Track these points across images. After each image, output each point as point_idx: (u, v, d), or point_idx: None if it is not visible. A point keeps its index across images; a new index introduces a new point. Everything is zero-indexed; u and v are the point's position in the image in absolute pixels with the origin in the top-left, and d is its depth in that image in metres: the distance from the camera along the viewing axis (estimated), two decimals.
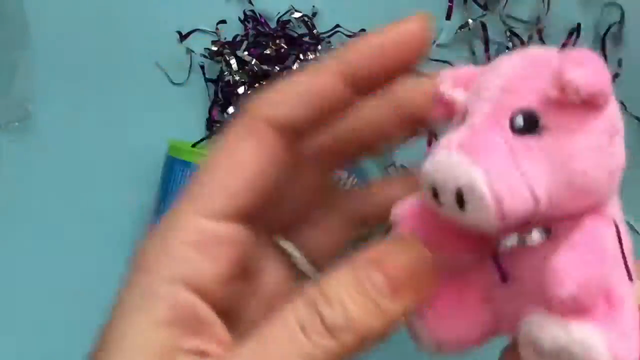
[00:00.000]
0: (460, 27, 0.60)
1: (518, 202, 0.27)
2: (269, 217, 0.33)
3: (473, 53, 0.61)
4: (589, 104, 0.28)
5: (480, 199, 0.26)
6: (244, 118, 0.32)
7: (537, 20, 0.60)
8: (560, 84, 0.27)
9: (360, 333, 0.28)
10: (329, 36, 0.60)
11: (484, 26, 0.60)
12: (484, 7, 0.60)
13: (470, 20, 0.60)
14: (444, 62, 0.61)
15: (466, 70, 0.30)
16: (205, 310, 0.30)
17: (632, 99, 0.61)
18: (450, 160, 0.27)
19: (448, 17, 0.61)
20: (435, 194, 0.28)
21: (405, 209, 0.31)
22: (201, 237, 0.31)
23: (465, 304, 0.31)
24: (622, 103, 0.61)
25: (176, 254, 0.30)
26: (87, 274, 0.60)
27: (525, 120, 0.28)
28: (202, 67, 0.61)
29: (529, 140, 0.27)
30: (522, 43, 0.60)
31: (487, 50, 0.60)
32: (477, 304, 0.31)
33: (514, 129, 0.28)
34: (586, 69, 0.27)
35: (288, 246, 0.35)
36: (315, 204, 0.36)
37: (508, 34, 0.60)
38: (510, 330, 0.31)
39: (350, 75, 0.32)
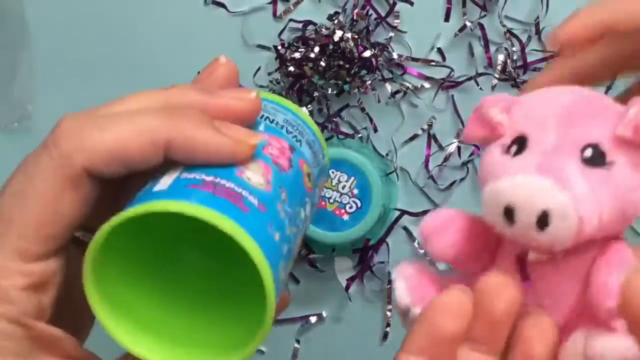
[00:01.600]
0: (460, 30, 0.60)
1: (592, 226, 0.30)
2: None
3: (472, 55, 0.61)
4: None
5: (567, 222, 0.30)
6: (53, 159, 0.34)
7: (535, 21, 0.60)
8: (635, 126, 0.30)
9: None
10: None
11: (482, 28, 0.60)
12: (483, 8, 0.60)
13: (468, 23, 0.60)
14: (444, 66, 0.61)
15: (506, 97, 0.34)
16: (50, 330, 0.32)
17: None
18: (537, 183, 0.30)
19: (447, 19, 0.61)
20: (508, 213, 0.30)
21: (433, 225, 0.33)
22: (27, 281, 0.31)
23: None
24: None
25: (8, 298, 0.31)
26: None
27: (594, 153, 0.31)
28: None
29: (600, 172, 0.31)
30: (521, 44, 0.60)
31: (487, 51, 0.61)
32: None
33: (584, 161, 0.31)
34: None
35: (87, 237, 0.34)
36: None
37: (507, 35, 0.60)
38: None
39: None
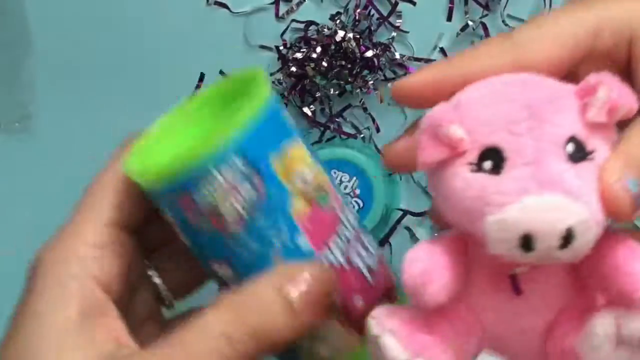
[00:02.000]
0: (462, 29, 0.60)
1: (604, 223, 0.29)
2: (143, 238, 0.37)
3: None
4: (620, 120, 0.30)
5: (590, 232, 0.28)
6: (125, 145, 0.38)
7: None
8: (609, 109, 0.29)
9: (275, 339, 0.32)
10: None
11: (485, 27, 0.60)
12: (485, 7, 0.60)
13: (470, 22, 0.60)
14: None
15: (445, 108, 0.31)
16: (111, 305, 0.34)
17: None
18: (551, 202, 0.28)
19: (449, 19, 0.61)
20: (526, 242, 0.28)
21: (417, 274, 0.30)
22: (98, 239, 0.35)
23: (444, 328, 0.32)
24: None
25: (81, 254, 0.34)
26: None
27: (575, 147, 0.29)
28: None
29: (587, 165, 0.29)
30: None
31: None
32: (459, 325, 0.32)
33: (569, 158, 0.29)
34: (621, 88, 0.30)
35: (152, 273, 0.38)
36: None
37: None
38: (517, 345, 0.32)
39: None
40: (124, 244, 0.36)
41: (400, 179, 0.61)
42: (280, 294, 0.32)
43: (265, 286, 0.33)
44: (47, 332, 0.33)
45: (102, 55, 0.62)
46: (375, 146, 0.61)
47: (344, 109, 0.61)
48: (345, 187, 0.58)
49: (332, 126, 0.61)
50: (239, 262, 0.34)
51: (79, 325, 0.33)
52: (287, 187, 0.34)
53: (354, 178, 0.58)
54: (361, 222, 0.39)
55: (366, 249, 0.37)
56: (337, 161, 0.57)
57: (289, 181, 0.34)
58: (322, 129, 0.61)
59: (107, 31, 0.62)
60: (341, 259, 0.35)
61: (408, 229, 0.61)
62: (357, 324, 0.35)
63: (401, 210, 0.60)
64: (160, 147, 0.37)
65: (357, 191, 0.57)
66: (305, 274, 0.33)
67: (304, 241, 0.34)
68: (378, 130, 0.61)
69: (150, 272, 0.38)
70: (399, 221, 0.61)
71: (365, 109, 0.61)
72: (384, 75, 0.61)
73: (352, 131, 0.61)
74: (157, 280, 0.38)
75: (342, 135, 0.61)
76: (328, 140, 0.61)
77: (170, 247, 0.39)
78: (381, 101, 0.61)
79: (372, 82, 0.60)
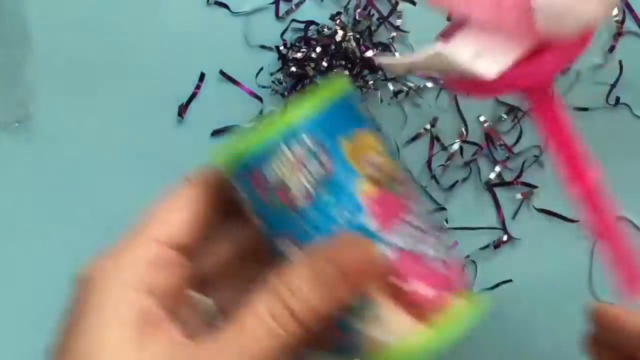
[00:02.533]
0: None
1: None
2: (195, 266, 0.39)
3: None
4: None
5: None
6: (192, 177, 0.39)
7: None
8: None
9: (319, 317, 0.35)
10: None
11: None
12: None
13: None
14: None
15: None
16: (164, 316, 0.36)
17: (637, 99, 0.60)
18: None
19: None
20: None
21: None
22: (155, 255, 0.37)
23: None
24: (627, 105, 0.60)
25: (138, 266, 0.36)
26: None
27: None
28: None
29: None
30: None
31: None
32: None
33: None
34: None
35: (200, 299, 0.40)
36: (234, 266, 0.41)
37: None
38: None
39: None
40: (179, 265, 0.38)
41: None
42: (313, 270, 0.35)
43: (299, 265, 0.35)
44: (105, 344, 0.34)
45: (102, 55, 0.62)
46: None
47: None
48: None
49: None
50: (303, 238, 0.36)
51: (136, 338, 0.34)
52: (354, 168, 0.36)
53: None
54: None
55: (435, 243, 0.39)
56: None
57: (357, 163, 0.37)
58: None
59: (107, 31, 0.62)
60: (405, 244, 0.37)
61: None
62: (415, 310, 0.37)
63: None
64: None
65: None
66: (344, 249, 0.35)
67: (367, 220, 0.36)
68: (379, 129, 0.61)
69: (199, 301, 0.40)
70: None
71: (367, 109, 0.61)
72: (385, 75, 0.60)
73: None
74: (207, 303, 0.40)
75: None
76: None
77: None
78: (381, 101, 0.60)
79: (372, 82, 0.60)
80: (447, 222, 0.60)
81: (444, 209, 0.60)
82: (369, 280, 0.36)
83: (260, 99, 0.61)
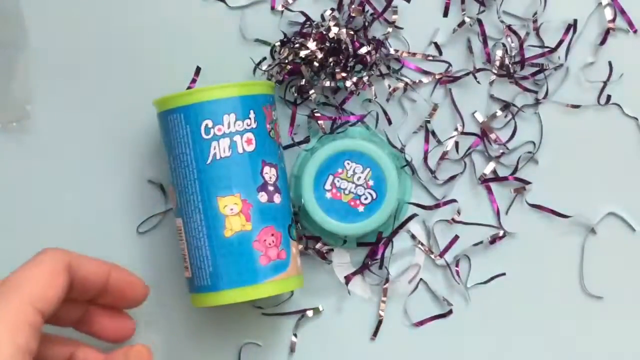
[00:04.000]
0: (459, 26, 0.61)
1: None
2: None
3: (471, 51, 0.61)
4: None
5: None
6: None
7: (534, 17, 0.61)
8: None
9: None
10: None
11: (480, 23, 0.60)
12: (481, 4, 0.60)
13: (467, 18, 0.60)
14: (442, 61, 0.61)
15: None
16: None
17: (628, 98, 0.61)
18: None
19: (445, 14, 0.61)
20: None
21: None
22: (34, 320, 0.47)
23: None
24: (617, 105, 0.61)
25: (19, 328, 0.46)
26: None
27: None
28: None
29: None
30: (519, 39, 0.60)
31: (485, 47, 0.61)
32: None
33: None
34: None
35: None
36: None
37: (505, 31, 0.60)
38: None
39: None
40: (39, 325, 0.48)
41: (413, 173, 0.61)
42: None
43: None
44: None
45: (99, 53, 0.61)
46: (387, 136, 0.61)
47: (343, 101, 0.61)
48: (359, 179, 0.58)
49: (338, 116, 0.61)
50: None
51: None
52: None
53: (368, 169, 0.58)
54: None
55: None
56: (350, 152, 0.58)
57: None
58: (334, 118, 0.60)
59: (103, 29, 0.62)
60: None
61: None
62: None
63: (413, 204, 0.61)
64: None
65: (371, 182, 0.58)
66: None
67: None
68: (376, 126, 0.61)
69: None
70: (410, 218, 0.61)
71: (369, 100, 0.61)
72: (379, 71, 0.61)
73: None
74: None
75: (349, 122, 0.60)
76: (338, 128, 0.60)
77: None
78: (376, 97, 0.61)
79: (367, 78, 0.60)
80: (459, 213, 0.61)
81: (454, 201, 0.61)
82: None
83: None
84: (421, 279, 0.61)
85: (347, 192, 0.58)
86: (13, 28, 0.61)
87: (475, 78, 0.61)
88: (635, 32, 0.61)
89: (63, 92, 0.61)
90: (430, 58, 0.61)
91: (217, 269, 0.54)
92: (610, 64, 0.61)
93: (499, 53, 0.60)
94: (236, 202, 0.54)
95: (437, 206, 0.61)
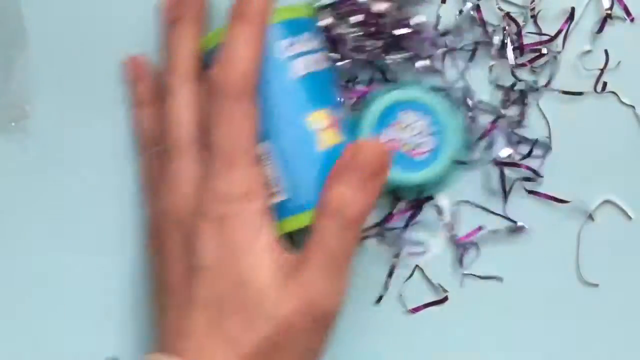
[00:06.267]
0: (460, 12, 0.61)
1: None
2: None
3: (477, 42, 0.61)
4: None
5: None
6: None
7: (531, 5, 0.61)
8: None
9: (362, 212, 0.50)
10: None
11: (478, 10, 0.60)
12: None
13: (469, 4, 0.60)
14: (450, 49, 0.61)
15: None
16: None
17: (625, 86, 0.61)
18: None
19: (444, 1, 0.61)
20: None
21: None
22: None
23: None
24: (614, 93, 0.61)
25: None
26: (86, 274, 0.61)
27: None
28: None
29: None
30: (518, 27, 0.61)
31: (486, 33, 0.61)
32: None
33: None
34: None
35: None
36: None
37: (504, 18, 0.60)
38: None
39: None
40: None
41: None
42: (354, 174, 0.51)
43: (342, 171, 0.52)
44: None
45: (99, 54, 0.61)
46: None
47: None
48: (416, 129, 0.58)
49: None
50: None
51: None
52: None
53: (427, 117, 0.58)
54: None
55: None
56: (408, 102, 0.58)
57: None
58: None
59: (103, 29, 0.61)
60: None
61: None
62: None
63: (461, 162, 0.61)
64: None
65: (430, 130, 0.58)
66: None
67: None
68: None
69: None
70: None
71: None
72: (416, 53, 0.60)
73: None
74: None
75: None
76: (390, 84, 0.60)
77: None
78: (411, 78, 0.61)
79: (401, 59, 0.60)
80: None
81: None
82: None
83: None
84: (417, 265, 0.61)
85: (405, 142, 0.58)
86: (12, 28, 0.60)
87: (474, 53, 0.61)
88: (632, 20, 0.61)
89: (62, 92, 0.61)
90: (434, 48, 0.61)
91: (317, 184, 0.53)
92: (606, 52, 0.61)
93: (497, 39, 0.60)
94: (325, 117, 0.54)
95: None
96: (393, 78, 0.61)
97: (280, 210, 0.54)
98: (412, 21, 0.60)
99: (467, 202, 0.61)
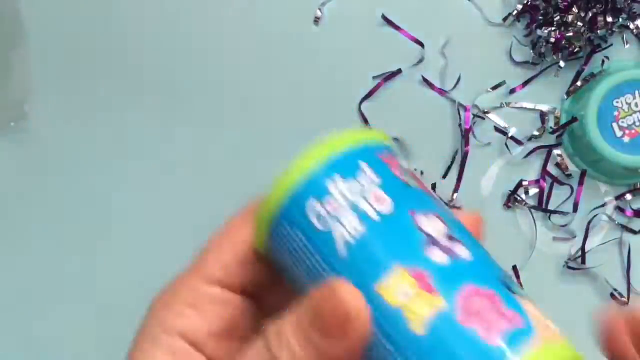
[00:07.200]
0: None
1: None
2: (267, 300, 0.38)
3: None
4: None
5: None
6: (247, 209, 0.37)
7: None
8: None
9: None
10: None
11: None
12: None
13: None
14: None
15: None
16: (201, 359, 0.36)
17: None
18: None
19: None
20: None
21: None
22: (196, 297, 0.37)
23: None
24: None
25: (175, 310, 0.36)
26: (84, 273, 0.61)
27: None
28: None
29: None
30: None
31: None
32: None
33: None
34: None
35: None
36: None
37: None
38: None
39: None
40: (231, 304, 0.37)
41: None
42: (298, 319, 0.33)
43: (291, 312, 0.34)
44: None
45: (98, 53, 0.61)
46: None
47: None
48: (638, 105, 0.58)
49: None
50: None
51: None
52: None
53: None
54: None
55: None
56: (630, 83, 0.57)
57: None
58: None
59: (103, 28, 0.61)
60: None
61: None
62: None
63: None
64: None
65: None
66: None
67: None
68: None
69: None
70: None
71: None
72: (628, 17, 0.60)
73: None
74: None
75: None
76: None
77: None
78: (626, 43, 0.60)
79: (615, 24, 0.59)
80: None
81: None
82: (357, 331, 0.31)
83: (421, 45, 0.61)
84: None
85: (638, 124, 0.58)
86: (12, 28, 0.61)
87: None
88: None
89: (61, 92, 0.61)
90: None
91: None
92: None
93: None
94: (404, 280, 0.34)
95: None
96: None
97: None
98: None
99: None
